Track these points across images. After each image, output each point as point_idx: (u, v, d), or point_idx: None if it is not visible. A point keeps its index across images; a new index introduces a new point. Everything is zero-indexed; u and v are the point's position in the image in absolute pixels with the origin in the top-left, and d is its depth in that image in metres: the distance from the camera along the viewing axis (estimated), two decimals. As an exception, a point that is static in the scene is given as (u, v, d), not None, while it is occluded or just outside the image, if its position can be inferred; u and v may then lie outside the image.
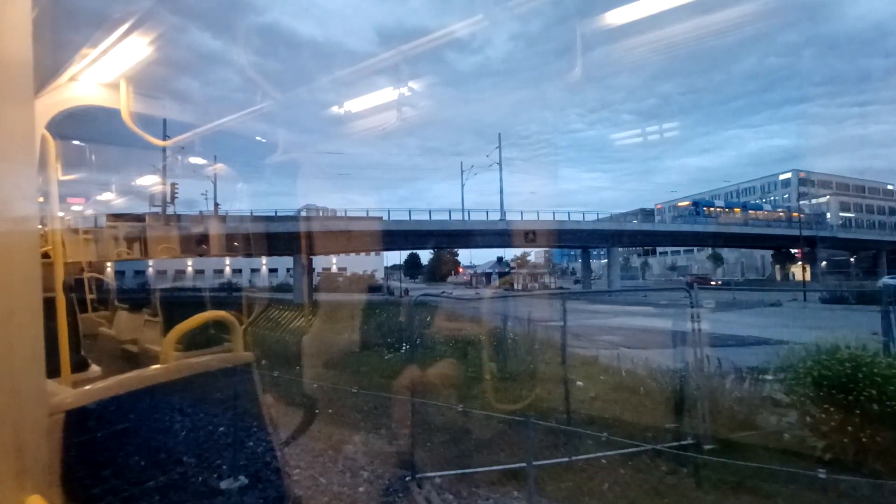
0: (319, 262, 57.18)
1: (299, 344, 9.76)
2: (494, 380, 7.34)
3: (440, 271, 62.33)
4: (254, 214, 34.25)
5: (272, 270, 60.97)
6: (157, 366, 1.61)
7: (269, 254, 43.26)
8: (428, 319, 11.32)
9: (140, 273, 52.89)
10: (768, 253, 59.84)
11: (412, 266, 54.05)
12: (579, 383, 7.01)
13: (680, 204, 54.47)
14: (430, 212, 38.69)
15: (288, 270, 59.11)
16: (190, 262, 56.75)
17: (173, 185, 33.10)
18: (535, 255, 72.42)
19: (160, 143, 3.69)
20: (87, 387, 1.33)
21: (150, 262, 53.72)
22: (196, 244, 28.73)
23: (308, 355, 8.89)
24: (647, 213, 51.37)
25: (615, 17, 3.96)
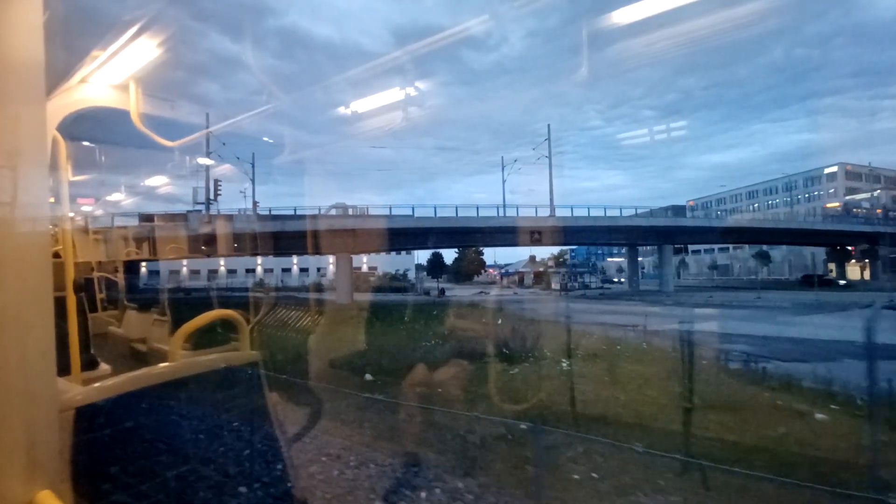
0: (314, 261, 57.37)
1: (396, 357, 8.99)
2: (710, 410, 5.98)
3: (466, 271, 60.78)
4: (297, 212, 33.60)
5: (303, 270, 60.22)
6: (165, 363, 1.63)
7: (308, 253, 42.17)
8: (524, 326, 10.57)
9: (174, 273, 53.09)
10: (819, 250, 55.29)
11: (434, 266, 53.29)
12: (819, 416, 5.90)
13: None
14: (466, 208, 36.30)
15: (319, 270, 59.02)
16: (222, 262, 56.33)
17: (216, 182, 32.78)
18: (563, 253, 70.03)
19: (169, 143, 3.72)
20: (97, 384, 1.34)
21: (185, 263, 54.10)
22: (234, 243, 28.42)
23: (421, 374, 7.83)
24: (678, 210, 47.74)
25: (634, 11, 3.82)
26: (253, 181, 36.24)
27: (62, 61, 2.77)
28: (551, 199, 39.47)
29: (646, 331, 11.02)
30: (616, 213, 38.70)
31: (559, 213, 38.07)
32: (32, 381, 0.97)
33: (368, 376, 8.36)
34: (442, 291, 39.98)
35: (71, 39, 2.50)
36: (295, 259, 58.74)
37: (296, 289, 41.73)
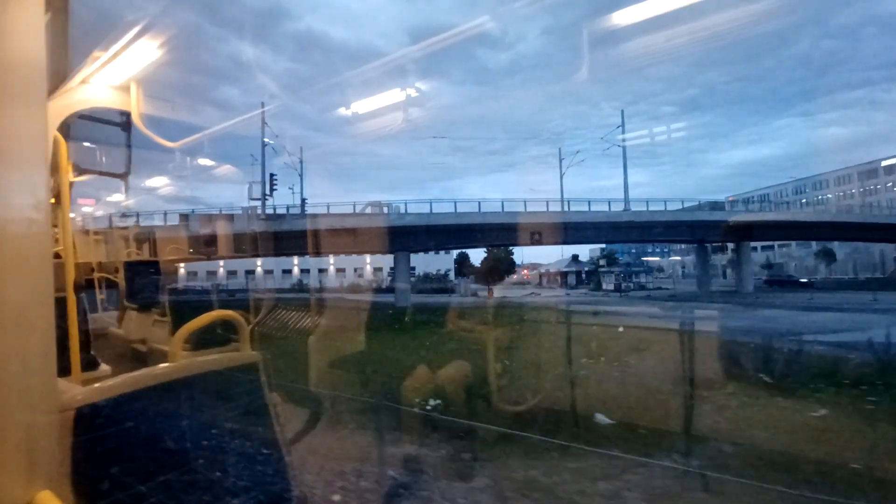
0: (386, 260, 53.29)
1: (604, 387, 6.95)
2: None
3: (497, 271, 57.50)
4: (329, 210, 31.99)
5: (339, 270, 57.83)
6: (166, 364, 1.63)
7: (354, 252, 40.77)
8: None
9: (211, 273, 51.19)
10: (889, 247, 50.63)
11: (460, 266, 51.15)
12: None
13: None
14: (512, 202, 33.87)
15: (355, 270, 57.25)
16: (259, 262, 53.64)
17: (272, 176, 31.52)
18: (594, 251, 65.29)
19: (170, 144, 3.73)
20: (97, 384, 1.35)
21: (221, 263, 51.76)
22: (281, 242, 27.36)
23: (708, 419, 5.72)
24: (716, 206, 43.30)
25: (652, 6, 3.77)
26: (301, 177, 34.76)
27: (63, 62, 2.78)
28: (626, 193, 36.22)
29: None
30: (664, 208, 35.74)
31: (614, 208, 35.28)
32: (33, 381, 0.97)
33: (602, 417, 5.86)
34: (490, 292, 37.63)
35: (72, 40, 2.50)
36: (331, 259, 56.50)
37: (339, 290, 39.88)
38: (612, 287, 44.70)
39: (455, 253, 56.65)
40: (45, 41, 1.02)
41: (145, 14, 2.73)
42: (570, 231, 34.28)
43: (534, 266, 67.36)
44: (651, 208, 36.21)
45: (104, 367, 3.52)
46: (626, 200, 36.22)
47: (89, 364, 3.30)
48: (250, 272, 54.70)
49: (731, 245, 46.10)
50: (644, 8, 3.82)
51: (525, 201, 34.09)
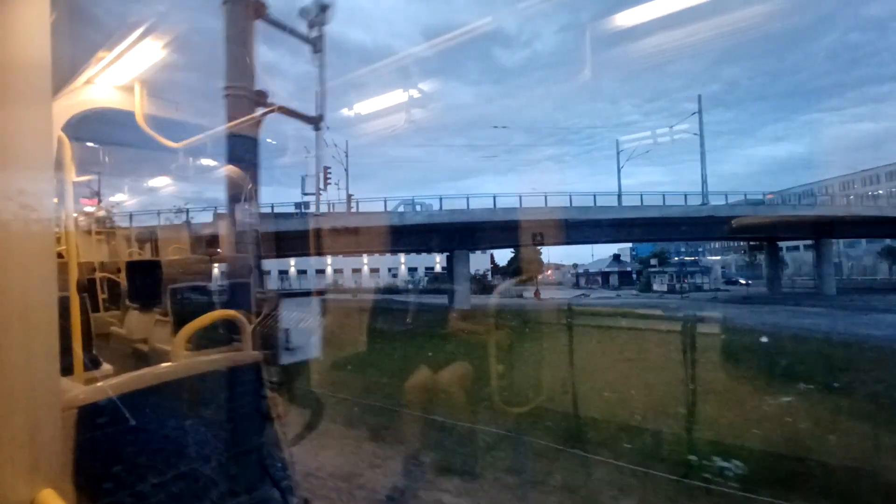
0: (422, 260, 51.58)
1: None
2: None
3: (526, 271, 54.19)
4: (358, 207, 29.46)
5: (373, 270, 54.17)
6: (168, 364, 1.64)
7: (401, 250, 38.17)
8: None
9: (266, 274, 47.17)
10: None
11: (495, 266, 48.59)
12: None
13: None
14: (581, 195, 30.20)
15: (389, 270, 53.36)
16: (293, 262, 49.51)
17: (326, 169, 30.08)
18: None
19: (173, 144, 3.74)
20: (99, 383, 1.35)
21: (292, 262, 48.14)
22: (334, 239, 25.41)
23: None
24: (752, 203, 39.29)
25: (673, 1, 3.70)
26: (347, 171, 32.13)
27: (68, 62, 2.79)
28: (703, 186, 31.85)
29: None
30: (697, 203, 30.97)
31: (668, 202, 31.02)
32: (36, 380, 0.98)
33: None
34: (537, 293, 35.16)
35: (77, 41, 2.52)
36: (365, 259, 52.70)
37: (384, 290, 37.64)
38: (664, 288, 41.14)
39: (490, 253, 53.36)
40: (51, 42, 1.03)
41: (153, 15, 2.74)
42: (635, 228, 31.34)
43: (556, 266, 63.56)
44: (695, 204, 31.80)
45: (106, 367, 3.53)
46: (705, 194, 32.27)
47: (91, 363, 3.31)
48: (283, 272, 50.32)
49: (783, 244, 42.02)
50: (663, 3, 3.75)
51: (594, 195, 30.49)
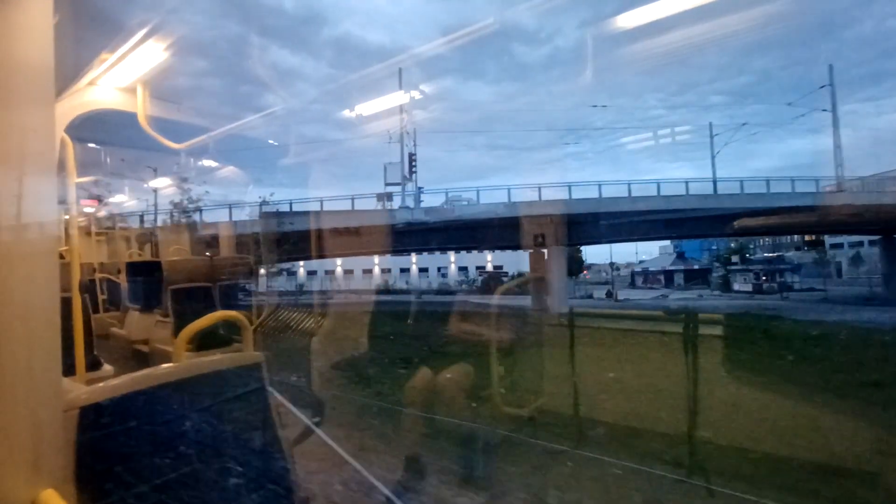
0: (471, 259, 47.55)
1: None
2: None
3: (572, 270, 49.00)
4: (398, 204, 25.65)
5: (422, 270, 49.77)
6: (169, 364, 1.64)
7: (474, 248, 34.27)
8: None
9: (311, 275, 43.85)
10: None
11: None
12: None
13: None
14: (672, 183, 26.14)
15: (439, 270, 48.80)
16: (340, 262, 45.58)
17: (412, 156, 26.44)
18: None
19: (175, 145, 3.75)
20: (101, 384, 1.35)
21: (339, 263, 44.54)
22: (390, 238, 22.96)
23: None
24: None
25: None
26: (413, 166, 28.05)
27: (71, 64, 2.80)
28: (838, 172, 26.97)
29: None
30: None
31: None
32: (38, 380, 0.98)
33: None
34: (609, 294, 32.24)
35: (80, 42, 2.52)
36: (413, 258, 48.38)
37: (443, 291, 35.72)
38: (748, 287, 36.08)
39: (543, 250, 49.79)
40: (54, 43, 1.03)
41: (155, 17, 2.75)
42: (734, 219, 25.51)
43: (595, 266, 56.97)
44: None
45: (107, 367, 3.54)
46: (839, 178, 27.75)
47: (93, 364, 3.32)
48: (329, 272, 46.21)
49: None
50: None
51: (687, 182, 26.24)
